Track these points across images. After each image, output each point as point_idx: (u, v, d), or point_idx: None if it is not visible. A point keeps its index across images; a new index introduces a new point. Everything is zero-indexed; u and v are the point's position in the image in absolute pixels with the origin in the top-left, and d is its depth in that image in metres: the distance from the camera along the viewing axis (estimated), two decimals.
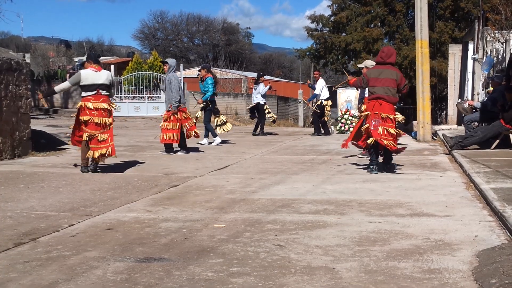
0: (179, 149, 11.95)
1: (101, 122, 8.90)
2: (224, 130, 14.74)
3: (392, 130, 8.67)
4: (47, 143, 12.35)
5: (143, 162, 10.25)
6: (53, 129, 17.52)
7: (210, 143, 13.97)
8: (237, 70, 44.27)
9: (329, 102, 17.53)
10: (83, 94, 9.01)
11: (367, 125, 8.76)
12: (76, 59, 41.42)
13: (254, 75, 28.67)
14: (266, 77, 22.20)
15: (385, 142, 8.54)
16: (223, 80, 35.30)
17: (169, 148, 11.85)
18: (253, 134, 17.76)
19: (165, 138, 11.72)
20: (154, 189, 7.46)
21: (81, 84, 8.97)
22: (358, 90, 12.70)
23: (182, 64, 33.42)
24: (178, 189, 7.52)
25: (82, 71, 9.14)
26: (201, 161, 10.70)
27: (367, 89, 9.10)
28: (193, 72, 39.70)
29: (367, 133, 8.77)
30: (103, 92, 9.02)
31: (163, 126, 11.73)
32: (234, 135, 18.02)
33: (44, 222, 5.54)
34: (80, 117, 8.95)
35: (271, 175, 8.74)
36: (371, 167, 8.78)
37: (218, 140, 14.02)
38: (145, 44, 71.18)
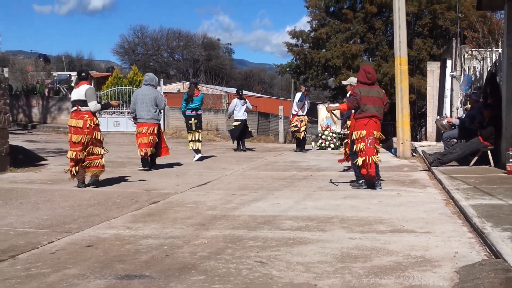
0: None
1: (73, 140, 8.88)
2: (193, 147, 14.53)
3: (379, 148, 8.93)
4: (25, 159, 12.22)
5: (123, 178, 10.19)
6: (31, 144, 17.34)
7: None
8: (217, 85, 44.31)
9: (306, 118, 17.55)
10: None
11: (362, 144, 8.70)
12: (55, 73, 41.13)
13: (234, 90, 28.71)
14: (246, 92, 22.24)
15: (375, 159, 8.67)
16: (204, 96, 35.33)
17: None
18: (235, 150, 17.74)
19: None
20: (134, 206, 7.41)
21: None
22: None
23: (162, 80, 33.38)
24: (159, 206, 7.48)
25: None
26: (182, 177, 10.66)
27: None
28: (173, 87, 39.72)
29: (360, 151, 8.74)
30: (83, 109, 8.97)
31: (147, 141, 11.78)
32: (214, 151, 18.02)
33: (23, 239, 5.47)
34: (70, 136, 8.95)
35: (252, 191, 8.74)
36: (360, 181, 8.81)
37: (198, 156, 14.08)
38: (125, 59, 71.03)
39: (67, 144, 9.31)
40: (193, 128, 14.10)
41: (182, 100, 14.43)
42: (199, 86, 14.95)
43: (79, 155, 8.83)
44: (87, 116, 8.98)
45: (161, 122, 25.56)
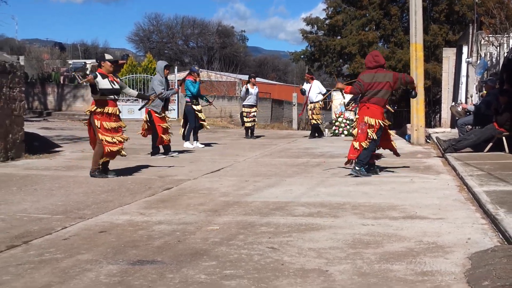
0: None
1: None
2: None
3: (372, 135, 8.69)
4: (40, 146, 12.31)
5: (137, 165, 10.23)
6: (46, 131, 17.47)
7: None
8: (231, 73, 44.27)
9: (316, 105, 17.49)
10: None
11: (356, 129, 8.80)
12: (70, 61, 41.36)
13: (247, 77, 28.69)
14: (259, 79, 22.15)
15: (359, 144, 8.67)
16: (218, 83, 35.35)
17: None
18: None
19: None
20: (147, 192, 7.45)
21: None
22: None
23: (176, 67, 33.39)
24: (172, 192, 7.51)
25: None
26: (195, 163, 10.69)
27: None
28: None
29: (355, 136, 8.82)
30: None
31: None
32: (228, 137, 18.04)
33: (37, 224, 5.52)
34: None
35: (265, 177, 8.74)
36: (363, 169, 8.81)
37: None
38: (140, 47, 71.12)
39: (83, 131, 9.29)
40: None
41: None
42: (194, 74, 14.61)
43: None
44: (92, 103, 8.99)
45: (175, 109, 25.82)
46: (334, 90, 19.52)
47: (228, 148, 14.30)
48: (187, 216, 5.93)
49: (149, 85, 12.00)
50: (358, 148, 8.64)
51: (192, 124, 13.96)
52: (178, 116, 25.89)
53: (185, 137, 14.04)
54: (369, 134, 8.63)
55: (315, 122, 17.48)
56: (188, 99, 13.95)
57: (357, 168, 8.67)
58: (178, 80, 14.56)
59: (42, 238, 5.01)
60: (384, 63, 9.05)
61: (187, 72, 14.89)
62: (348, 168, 9.06)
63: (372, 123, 8.62)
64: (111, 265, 4.19)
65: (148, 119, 11.89)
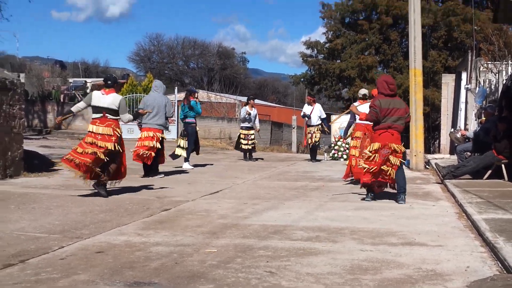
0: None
1: (102, 146, 8.75)
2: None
3: (398, 161, 8.61)
4: (39, 164, 12.29)
5: (135, 185, 10.21)
6: (45, 149, 17.45)
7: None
8: (231, 94, 44.42)
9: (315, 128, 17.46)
10: (92, 116, 9.00)
11: (374, 155, 8.51)
12: (70, 80, 41.45)
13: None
14: (259, 101, 22.11)
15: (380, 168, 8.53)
16: (217, 104, 35.45)
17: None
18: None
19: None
20: (145, 213, 7.43)
21: (91, 104, 8.99)
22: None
23: (176, 88, 33.49)
24: (170, 213, 7.49)
25: (93, 92, 9.20)
26: (193, 185, 10.68)
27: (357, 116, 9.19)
28: None
29: (370, 161, 8.61)
30: (110, 116, 8.92)
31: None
32: (227, 159, 18.03)
33: (34, 243, 5.49)
34: (86, 138, 8.85)
35: (263, 200, 8.72)
36: (368, 195, 8.76)
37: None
38: (140, 67, 71.45)
39: None
40: (181, 135, 14.20)
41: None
42: (196, 94, 14.85)
43: (98, 161, 8.76)
44: (115, 124, 8.94)
45: (174, 129, 25.85)
46: (346, 113, 19.56)
47: (227, 170, 14.29)
48: (185, 238, 5.90)
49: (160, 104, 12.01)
50: (372, 171, 8.51)
51: (192, 146, 14.01)
52: (177, 137, 25.88)
53: (187, 158, 14.08)
54: (393, 161, 8.52)
55: (314, 142, 17.32)
56: (194, 120, 14.06)
57: (403, 196, 8.59)
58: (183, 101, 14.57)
59: (39, 257, 4.98)
60: (396, 91, 9.00)
61: (185, 93, 14.92)
62: (349, 193, 9.02)
63: (398, 150, 8.54)
64: (108, 286, 4.16)
65: (160, 140, 11.92)
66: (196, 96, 14.43)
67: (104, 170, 8.84)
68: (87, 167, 8.65)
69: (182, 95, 37.46)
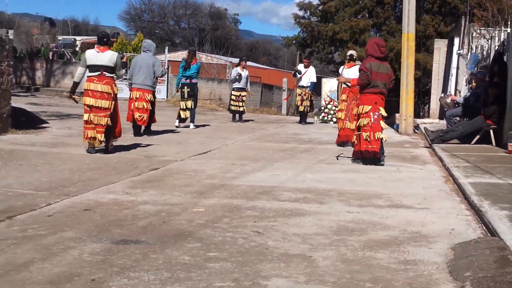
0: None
1: (101, 106, 8.81)
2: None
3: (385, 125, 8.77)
4: (27, 121, 12.21)
5: (124, 144, 10.18)
6: (34, 107, 17.30)
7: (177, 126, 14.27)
8: (222, 55, 44.04)
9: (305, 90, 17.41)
10: (88, 74, 8.99)
11: (367, 119, 8.52)
12: (60, 37, 40.90)
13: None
14: (250, 63, 21.99)
15: (380, 135, 8.56)
16: (208, 65, 35.19)
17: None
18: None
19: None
20: (134, 172, 7.42)
21: (87, 64, 8.95)
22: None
23: (167, 48, 33.20)
24: (158, 172, 7.49)
25: (87, 52, 9.27)
26: (183, 145, 10.66)
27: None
28: (178, 55, 39.47)
29: (364, 126, 8.61)
30: (107, 74, 8.91)
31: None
32: (217, 120, 17.99)
33: (21, 200, 5.49)
34: (84, 99, 8.87)
35: (252, 161, 8.73)
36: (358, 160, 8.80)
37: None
38: (131, 26, 70.43)
39: (73, 108, 9.28)
40: (186, 96, 14.06)
41: (180, 67, 14.35)
42: (196, 55, 15.00)
43: (104, 121, 8.81)
44: (112, 83, 8.99)
45: (164, 90, 25.71)
46: (330, 91, 19.55)
47: (216, 131, 14.26)
48: (173, 197, 5.91)
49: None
50: (377, 139, 8.51)
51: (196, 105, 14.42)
52: (167, 97, 25.73)
53: (193, 119, 14.31)
54: (382, 125, 8.59)
55: (302, 110, 17.35)
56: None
57: (383, 158, 8.66)
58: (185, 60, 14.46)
59: (26, 214, 4.98)
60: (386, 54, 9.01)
61: (189, 54, 14.73)
62: (347, 157, 9.07)
63: (384, 115, 8.60)
64: (95, 243, 4.17)
65: (152, 100, 12.02)
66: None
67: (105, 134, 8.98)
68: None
69: (172, 55, 37.15)
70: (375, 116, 8.52)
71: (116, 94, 9.06)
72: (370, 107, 8.53)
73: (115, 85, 9.09)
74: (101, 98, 8.81)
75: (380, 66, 8.60)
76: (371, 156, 8.56)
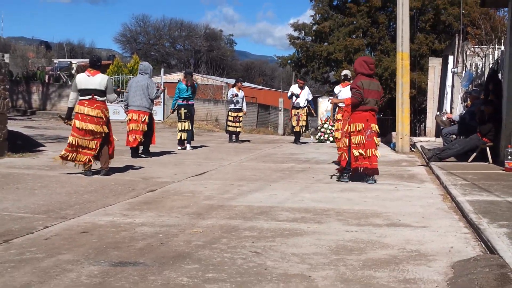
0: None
1: (91, 130, 8.80)
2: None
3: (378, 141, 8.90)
4: (23, 145, 12.20)
5: (121, 166, 10.17)
6: (30, 130, 17.32)
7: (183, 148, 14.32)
8: (218, 76, 44.20)
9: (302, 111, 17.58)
10: (79, 98, 8.99)
11: (360, 136, 8.57)
12: (56, 60, 41.02)
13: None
14: (246, 84, 22.14)
15: (375, 152, 8.65)
16: (204, 86, 35.26)
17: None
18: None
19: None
20: (131, 193, 7.40)
21: (78, 88, 8.96)
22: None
23: (163, 69, 33.30)
24: (156, 194, 7.47)
25: (77, 76, 9.27)
26: (179, 166, 10.65)
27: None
28: (174, 77, 39.61)
29: (358, 144, 8.64)
30: (98, 98, 8.93)
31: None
32: (213, 141, 18.00)
33: (18, 223, 5.46)
34: (74, 122, 8.88)
35: (249, 182, 8.72)
36: (344, 175, 8.85)
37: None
38: (126, 48, 70.84)
39: (67, 131, 9.30)
40: (182, 118, 14.16)
41: (176, 88, 14.45)
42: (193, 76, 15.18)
43: (93, 144, 8.82)
44: (103, 107, 9.00)
45: (160, 111, 25.73)
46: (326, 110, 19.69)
47: (213, 151, 14.27)
48: (171, 218, 5.89)
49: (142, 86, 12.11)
50: (370, 156, 8.58)
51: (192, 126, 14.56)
52: (163, 119, 25.77)
53: (190, 140, 14.39)
54: (376, 142, 8.69)
55: (298, 130, 17.51)
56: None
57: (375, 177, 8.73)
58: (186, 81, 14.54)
59: (23, 237, 4.95)
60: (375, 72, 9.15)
61: (186, 75, 14.77)
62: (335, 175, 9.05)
63: (377, 131, 8.72)
64: (93, 266, 4.14)
65: (148, 121, 12.07)
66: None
67: (98, 156, 9.03)
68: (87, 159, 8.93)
69: (168, 77, 37.22)
70: (368, 133, 8.59)
71: (108, 117, 9.08)
72: (362, 124, 8.62)
73: (106, 109, 9.07)
74: (91, 122, 8.81)
75: (371, 84, 8.71)
76: (371, 173, 8.62)
